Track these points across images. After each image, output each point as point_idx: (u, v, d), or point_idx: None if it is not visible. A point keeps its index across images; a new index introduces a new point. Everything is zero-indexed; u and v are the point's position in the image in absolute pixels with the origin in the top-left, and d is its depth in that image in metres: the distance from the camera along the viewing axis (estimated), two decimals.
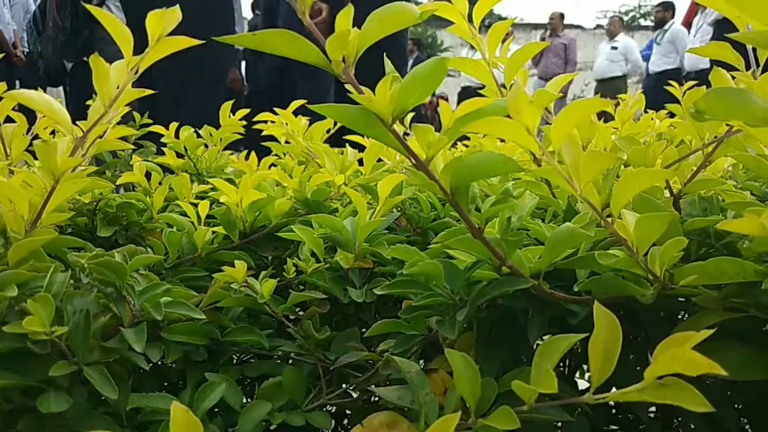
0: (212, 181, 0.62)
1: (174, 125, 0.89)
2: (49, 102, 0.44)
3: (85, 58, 3.15)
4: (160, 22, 0.41)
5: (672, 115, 1.03)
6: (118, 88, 0.47)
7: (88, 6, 0.44)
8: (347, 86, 0.38)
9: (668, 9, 7.22)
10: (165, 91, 1.84)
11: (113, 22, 0.41)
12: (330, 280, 0.54)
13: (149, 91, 0.51)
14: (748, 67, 0.55)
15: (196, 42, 0.42)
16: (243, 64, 6.54)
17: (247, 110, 0.98)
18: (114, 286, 0.46)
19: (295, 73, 3.35)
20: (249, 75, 6.48)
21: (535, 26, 12.70)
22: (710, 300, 0.44)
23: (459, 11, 0.50)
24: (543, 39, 8.04)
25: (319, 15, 2.46)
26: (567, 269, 0.46)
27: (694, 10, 6.74)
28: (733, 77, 0.52)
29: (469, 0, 0.50)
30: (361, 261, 0.54)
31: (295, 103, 0.85)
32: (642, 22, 16.83)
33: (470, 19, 0.55)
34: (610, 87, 7.52)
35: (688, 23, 7.03)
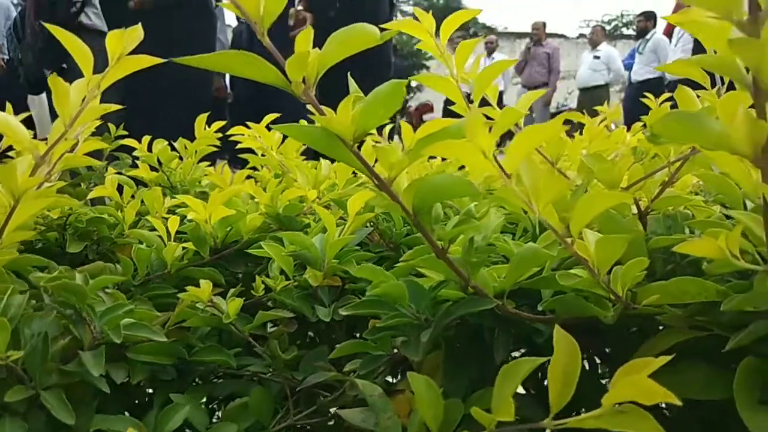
0: (180, 197, 0.61)
1: (146, 139, 0.89)
2: (7, 120, 0.43)
3: (64, 66, 3.12)
4: (120, 41, 0.41)
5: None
6: (84, 100, 0.46)
7: (45, 24, 0.43)
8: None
9: (650, 19, 7.32)
10: (145, 103, 1.83)
11: (72, 41, 0.41)
12: (298, 299, 0.53)
13: (114, 107, 0.51)
14: (713, 84, 0.55)
15: (158, 60, 0.42)
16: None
17: (224, 122, 0.97)
18: (74, 308, 0.45)
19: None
20: (233, 83, 6.47)
21: (519, 35, 12.81)
22: (675, 319, 0.45)
23: (426, 29, 0.50)
24: (528, 48, 8.11)
25: (303, 24, 2.46)
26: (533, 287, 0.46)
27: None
28: (698, 96, 0.52)
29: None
30: (330, 279, 0.53)
31: (269, 117, 0.84)
32: (624, 31, 17.03)
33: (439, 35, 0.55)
34: (592, 96, 7.59)
35: (669, 33, 7.12)
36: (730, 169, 0.34)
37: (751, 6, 0.28)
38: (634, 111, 7.20)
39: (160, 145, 0.88)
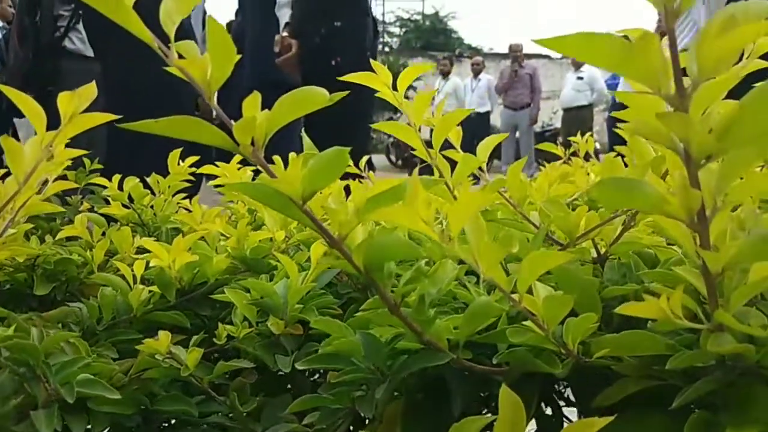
0: (143, 241, 0.61)
1: (116, 178, 0.89)
2: None
3: (50, 88, 3.11)
4: (72, 102, 0.41)
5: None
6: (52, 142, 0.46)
7: (3, 88, 0.43)
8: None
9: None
10: (124, 137, 1.82)
11: (25, 100, 0.41)
12: (260, 347, 0.53)
13: (77, 152, 0.51)
14: None
15: (113, 117, 0.42)
16: None
17: (197, 157, 0.98)
18: (27, 365, 0.45)
19: (263, 97, 3.35)
20: (220, 103, 6.46)
21: (504, 56, 12.95)
22: (630, 368, 0.45)
23: (383, 81, 0.51)
24: (515, 71, 8.20)
25: (288, 50, 2.47)
26: None
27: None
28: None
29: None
30: (292, 327, 0.53)
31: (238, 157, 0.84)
32: None
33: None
34: (576, 116, 7.70)
35: None
36: (671, 230, 0.35)
37: (678, 82, 0.29)
38: (616, 131, 7.27)
39: (132, 182, 0.87)
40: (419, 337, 0.42)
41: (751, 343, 0.36)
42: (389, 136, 11.44)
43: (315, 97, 0.38)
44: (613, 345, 0.41)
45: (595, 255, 0.57)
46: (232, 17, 4.60)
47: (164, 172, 0.95)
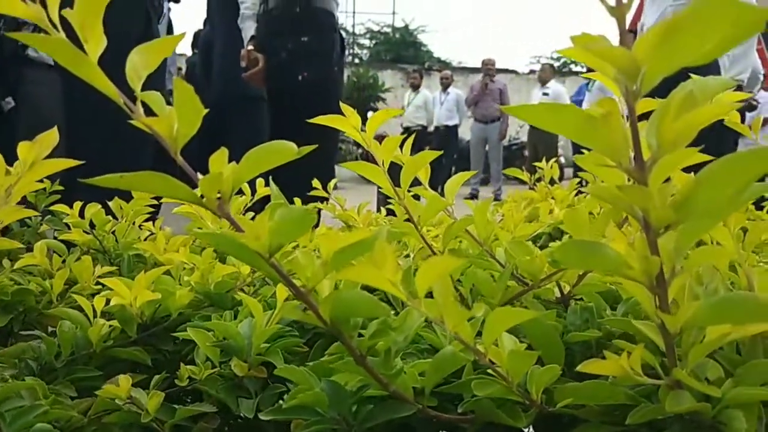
0: (104, 280, 0.60)
1: (78, 204, 0.86)
2: None
3: (9, 100, 3.03)
4: (32, 150, 0.40)
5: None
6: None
7: None
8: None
9: None
10: (84, 155, 1.78)
11: None
12: (223, 389, 0.52)
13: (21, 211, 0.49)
14: None
15: (74, 163, 0.41)
16: None
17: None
18: None
19: (230, 110, 3.32)
20: None
21: (473, 70, 13.12)
22: (593, 414, 0.46)
23: (352, 125, 0.51)
24: (486, 84, 8.30)
25: (255, 65, 2.45)
26: None
27: None
28: None
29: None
30: (256, 370, 0.53)
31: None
32: (573, 68, 17.63)
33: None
34: (542, 131, 7.83)
35: None
36: (632, 290, 0.36)
37: (636, 155, 0.30)
38: (581, 147, 7.43)
39: (94, 209, 0.86)
40: (385, 387, 0.42)
41: (708, 400, 0.37)
42: (358, 147, 11.47)
43: (283, 151, 0.37)
44: (575, 395, 0.42)
45: (558, 295, 0.58)
46: (201, 26, 4.56)
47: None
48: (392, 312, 0.42)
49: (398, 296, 0.33)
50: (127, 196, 0.94)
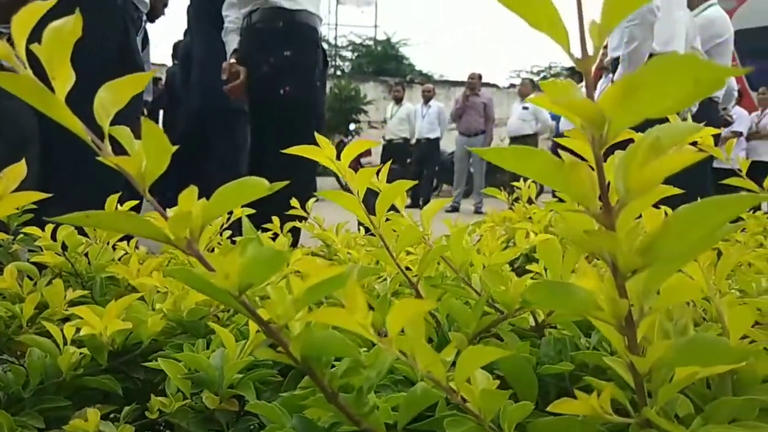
0: (74, 309, 0.59)
1: (50, 227, 0.85)
2: None
3: None
4: (1, 183, 0.39)
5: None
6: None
7: None
8: None
9: (576, 74, 7.74)
10: (61, 167, 1.76)
11: None
12: (194, 422, 0.52)
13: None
14: None
15: (42, 196, 0.41)
16: (161, 113, 6.44)
17: (136, 202, 0.95)
18: None
19: (210, 121, 3.30)
20: (166, 125, 6.37)
21: (454, 83, 13.23)
22: None
23: (327, 155, 0.51)
24: (467, 96, 8.36)
25: (236, 78, 2.44)
26: None
27: (598, 74, 7.27)
28: None
29: None
30: (227, 403, 0.52)
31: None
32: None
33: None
34: (523, 144, 7.92)
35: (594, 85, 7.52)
36: (603, 330, 0.36)
37: (604, 201, 0.30)
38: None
39: (66, 231, 0.84)
40: (357, 425, 0.41)
41: None
42: (339, 159, 11.45)
43: (255, 187, 0.37)
44: (548, 429, 0.42)
45: (533, 323, 0.59)
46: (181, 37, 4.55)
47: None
48: (363, 350, 0.41)
49: (369, 338, 0.33)
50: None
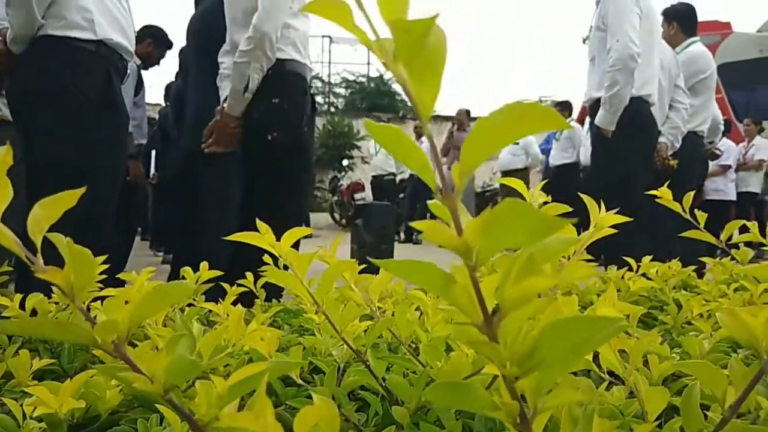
0: (31, 389, 0.61)
1: (18, 297, 0.87)
2: None
3: None
4: None
5: None
6: None
7: None
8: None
9: (566, 108, 7.87)
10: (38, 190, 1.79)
11: None
12: None
13: None
14: None
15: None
16: (153, 152, 6.50)
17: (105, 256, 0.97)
18: None
19: (201, 161, 3.34)
20: (159, 164, 6.43)
21: (446, 118, 13.38)
22: None
23: (267, 241, 0.54)
24: (451, 133, 8.48)
25: (225, 125, 2.48)
26: None
27: (585, 110, 7.41)
28: None
29: None
30: None
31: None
32: None
33: None
34: (514, 177, 8.01)
35: (581, 120, 7.64)
36: (505, 423, 0.38)
37: (484, 315, 0.32)
38: (551, 193, 7.61)
39: (35, 299, 0.86)
40: None
41: None
42: (333, 193, 11.54)
43: (180, 291, 0.40)
44: None
45: None
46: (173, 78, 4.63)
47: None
48: None
49: None
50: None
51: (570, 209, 0.56)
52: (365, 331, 0.68)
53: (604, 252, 3.17)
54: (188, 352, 0.41)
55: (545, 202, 0.67)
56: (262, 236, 0.54)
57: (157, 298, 0.40)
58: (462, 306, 0.33)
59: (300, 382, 0.61)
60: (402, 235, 8.94)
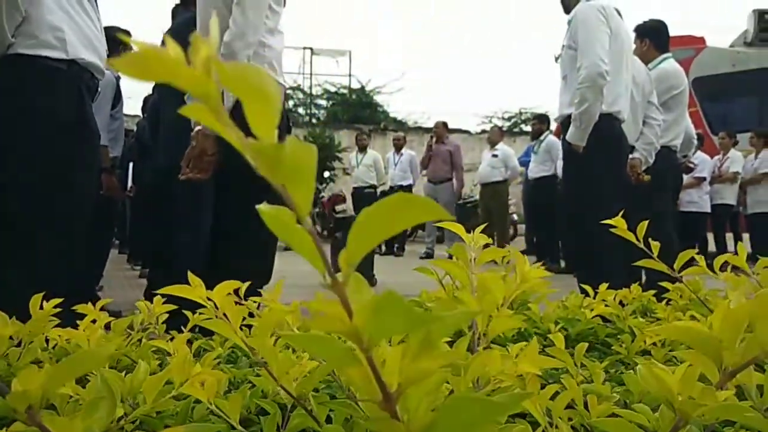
0: None
1: None
2: None
3: None
4: None
5: None
6: None
7: None
8: None
9: (544, 122, 7.94)
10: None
11: None
12: None
13: None
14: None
15: None
16: (131, 165, 6.46)
17: (61, 302, 0.97)
18: None
19: (177, 183, 3.33)
20: (136, 177, 6.39)
21: (428, 130, 13.46)
22: None
23: (198, 294, 0.55)
24: (430, 146, 8.53)
25: (202, 152, 2.46)
26: None
27: (559, 128, 7.49)
28: None
29: None
30: None
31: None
32: (524, 127, 18.20)
33: None
34: (493, 190, 8.07)
35: (559, 134, 7.73)
36: None
37: (383, 392, 0.33)
38: (530, 205, 7.69)
39: None
40: None
41: None
42: (314, 206, 11.52)
43: (96, 359, 0.40)
44: None
45: None
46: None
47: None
48: None
49: None
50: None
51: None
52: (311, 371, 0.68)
53: (577, 269, 3.21)
54: (107, 416, 0.41)
55: (487, 245, 0.68)
56: (191, 289, 0.54)
57: (73, 365, 0.40)
58: (360, 386, 0.33)
59: (240, 429, 0.61)
60: (383, 248, 8.94)
